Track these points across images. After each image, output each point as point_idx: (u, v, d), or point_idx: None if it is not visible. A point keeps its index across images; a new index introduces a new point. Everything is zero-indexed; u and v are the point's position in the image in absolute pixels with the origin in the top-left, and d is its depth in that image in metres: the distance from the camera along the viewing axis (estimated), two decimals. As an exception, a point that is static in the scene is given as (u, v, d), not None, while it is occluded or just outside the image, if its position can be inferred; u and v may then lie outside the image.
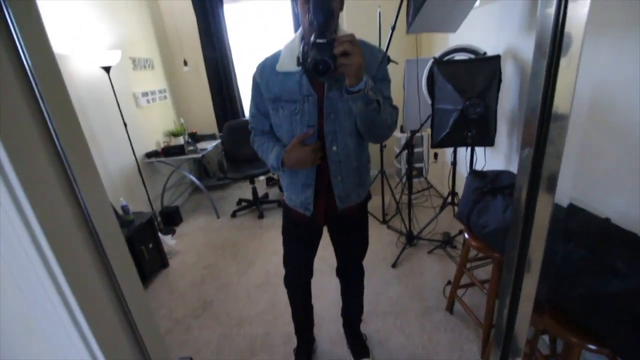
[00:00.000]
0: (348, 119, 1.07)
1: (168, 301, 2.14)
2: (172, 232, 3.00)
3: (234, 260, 2.51)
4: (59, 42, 2.23)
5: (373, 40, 2.52)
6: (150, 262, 2.34)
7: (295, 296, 1.49)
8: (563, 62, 0.35)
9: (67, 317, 0.59)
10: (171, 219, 3.16)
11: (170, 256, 2.64)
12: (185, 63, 3.72)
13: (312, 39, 0.86)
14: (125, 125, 2.68)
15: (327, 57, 0.82)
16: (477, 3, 2.03)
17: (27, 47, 0.46)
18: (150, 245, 2.36)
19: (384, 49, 2.19)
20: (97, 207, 0.62)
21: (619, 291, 0.84)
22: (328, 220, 1.27)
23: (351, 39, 0.84)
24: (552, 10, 0.35)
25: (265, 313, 1.94)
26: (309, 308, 1.55)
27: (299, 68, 1.01)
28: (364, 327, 1.73)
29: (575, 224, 1.05)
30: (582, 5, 0.33)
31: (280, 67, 1.06)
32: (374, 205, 3.01)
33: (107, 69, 2.50)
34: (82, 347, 0.63)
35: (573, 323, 0.98)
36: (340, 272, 1.49)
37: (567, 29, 0.34)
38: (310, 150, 1.07)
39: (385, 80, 1.11)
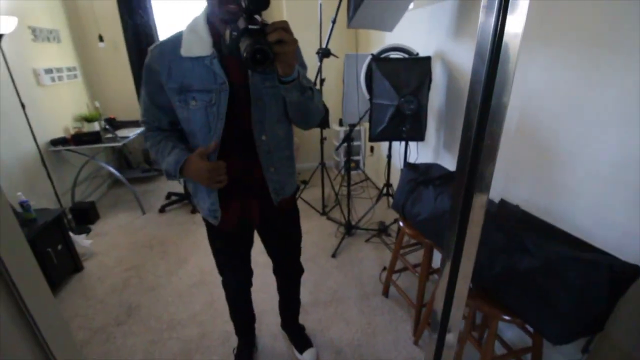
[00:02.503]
0: (275, 106, 1.01)
1: (83, 309, 1.88)
2: (87, 231, 2.64)
3: (163, 260, 2.31)
4: None
5: (314, 33, 2.53)
6: (59, 266, 2.02)
7: (235, 298, 1.43)
8: (500, 68, 0.37)
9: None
10: (85, 216, 2.77)
11: (85, 258, 2.32)
12: (101, 39, 3.26)
13: (241, 24, 0.77)
14: (23, 106, 2.25)
15: (264, 45, 0.74)
16: (412, 5, 2.15)
17: None
18: (59, 247, 2.04)
19: (325, 42, 2.21)
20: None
21: (528, 268, 0.98)
22: (262, 220, 1.17)
23: (285, 26, 0.77)
24: (492, 20, 0.37)
25: (201, 314, 1.82)
26: (249, 306, 1.50)
27: (209, 53, 0.92)
28: (306, 318, 1.74)
29: (493, 209, 1.18)
30: (519, 19, 0.35)
31: (187, 51, 0.92)
32: (313, 196, 3.04)
33: (-4, 37, 2.07)
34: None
35: (490, 298, 1.11)
36: (278, 271, 1.44)
37: (505, 38, 0.36)
38: (206, 169, 0.94)
39: (303, 66, 1.06)
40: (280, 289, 1.53)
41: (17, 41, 2.36)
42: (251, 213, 1.14)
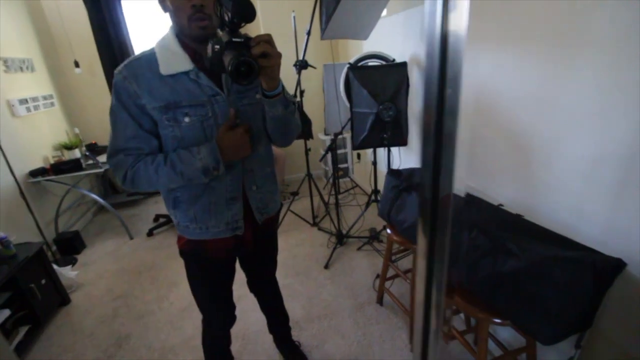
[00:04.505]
0: (254, 123, 0.99)
1: (72, 344, 1.82)
2: (73, 262, 2.57)
3: (153, 285, 2.26)
4: None
5: (290, 45, 2.53)
6: (44, 301, 1.95)
7: (214, 344, 1.36)
8: (449, 70, 0.37)
9: None
10: (70, 246, 2.70)
11: (72, 290, 2.25)
12: (77, 64, 3.22)
13: (224, 37, 0.77)
14: (-3, 139, 2.20)
15: (249, 57, 0.73)
16: (385, 12, 2.18)
17: None
18: (43, 281, 1.98)
19: (302, 53, 2.21)
20: None
21: (513, 270, 0.97)
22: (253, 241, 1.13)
23: (269, 39, 0.77)
24: (438, 22, 0.37)
25: (193, 338, 1.77)
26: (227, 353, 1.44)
27: (191, 67, 0.89)
28: (300, 334, 1.71)
29: (476, 213, 1.18)
30: (461, 20, 0.35)
31: (167, 69, 0.88)
32: (304, 207, 3.02)
33: (-36, 71, 2.02)
34: None
35: (481, 302, 1.10)
36: (254, 286, 1.40)
37: (450, 40, 0.36)
38: (242, 132, 0.91)
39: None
40: (263, 306, 1.49)
41: (-12, 73, 2.32)
42: (246, 236, 1.09)
